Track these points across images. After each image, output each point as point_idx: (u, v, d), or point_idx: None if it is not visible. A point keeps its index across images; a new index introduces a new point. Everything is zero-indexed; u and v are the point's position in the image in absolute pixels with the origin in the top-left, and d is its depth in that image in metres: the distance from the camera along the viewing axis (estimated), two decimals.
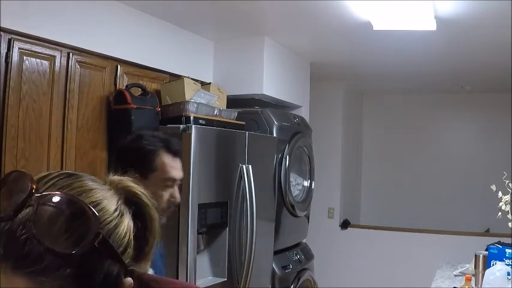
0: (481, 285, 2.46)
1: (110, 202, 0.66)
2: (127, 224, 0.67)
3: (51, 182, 0.65)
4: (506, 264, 2.39)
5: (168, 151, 1.62)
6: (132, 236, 0.68)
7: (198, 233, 2.50)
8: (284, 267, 3.37)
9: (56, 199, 0.60)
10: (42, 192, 0.62)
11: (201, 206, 2.47)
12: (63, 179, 0.66)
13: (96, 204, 0.64)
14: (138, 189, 0.73)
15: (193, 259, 2.43)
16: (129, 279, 0.67)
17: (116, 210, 0.66)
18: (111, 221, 0.64)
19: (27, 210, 0.59)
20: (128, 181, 0.73)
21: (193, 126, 2.48)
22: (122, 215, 0.67)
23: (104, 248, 0.61)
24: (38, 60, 2.31)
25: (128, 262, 0.67)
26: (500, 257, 2.47)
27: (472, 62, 4.05)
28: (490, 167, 4.98)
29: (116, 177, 0.73)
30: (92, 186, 0.66)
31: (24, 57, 2.24)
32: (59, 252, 0.57)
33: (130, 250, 0.67)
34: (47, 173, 0.67)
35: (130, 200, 0.71)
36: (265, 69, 3.53)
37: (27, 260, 0.57)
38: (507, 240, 2.89)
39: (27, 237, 0.57)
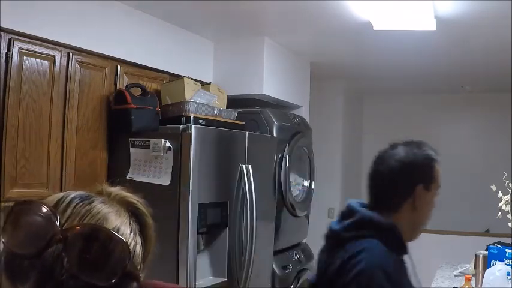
0: (481, 285, 2.46)
1: (125, 225, 0.67)
2: (140, 242, 0.69)
3: (69, 211, 0.64)
4: (506, 264, 2.39)
5: (437, 157, 1.52)
6: (142, 251, 0.69)
7: (198, 233, 2.50)
8: (284, 267, 3.37)
9: (83, 231, 0.60)
10: (64, 223, 0.61)
11: (201, 206, 2.47)
12: (79, 204, 0.65)
13: (117, 230, 0.64)
14: (136, 198, 0.74)
15: (193, 259, 2.43)
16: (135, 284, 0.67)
17: (131, 232, 0.67)
18: (131, 243, 0.65)
19: (55, 245, 0.58)
20: (124, 191, 0.74)
21: (193, 126, 2.48)
22: (135, 234, 0.68)
23: (134, 272, 0.63)
24: (38, 60, 2.31)
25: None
26: (500, 257, 2.47)
27: (472, 62, 4.05)
28: (490, 167, 4.98)
29: (113, 189, 0.73)
30: (106, 210, 0.67)
31: (24, 57, 2.24)
32: (97, 285, 0.57)
33: (142, 264, 0.69)
34: (58, 198, 0.66)
35: (131, 213, 0.72)
36: (265, 69, 3.53)
37: None
38: (507, 240, 2.89)
39: (63, 274, 0.56)
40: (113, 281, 0.58)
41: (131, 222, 0.69)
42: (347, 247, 1.34)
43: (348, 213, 1.49)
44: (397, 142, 1.56)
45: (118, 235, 0.62)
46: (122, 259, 0.61)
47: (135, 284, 0.64)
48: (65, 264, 0.57)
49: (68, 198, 0.66)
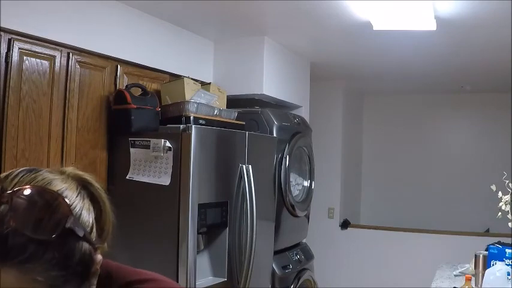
0: (481, 285, 2.46)
1: (71, 190, 0.73)
2: (88, 207, 0.74)
3: (16, 179, 0.70)
4: (506, 264, 2.39)
5: None
6: (94, 218, 0.75)
7: (198, 233, 2.50)
8: (284, 267, 3.37)
9: (27, 192, 0.66)
10: (12, 189, 0.66)
11: (201, 206, 2.47)
12: (25, 174, 0.71)
13: (61, 192, 0.70)
14: (88, 176, 0.79)
15: (193, 259, 2.43)
16: (99, 256, 0.74)
17: (77, 196, 0.73)
18: (76, 205, 0.71)
19: (1, 207, 0.64)
20: (77, 170, 0.79)
21: (193, 126, 2.48)
22: (83, 199, 0.74)
23: (76, 229, 0.67)
24: (38, 60, 2.31)
25: (94, 241, 0.73)
26: (500, 257, 2.47)
27: (472, 62, 4.05)
28: (490, 167, 4.98)
29: (67, 168, 0.79)
30: (51, 177, 0.72)
31: (24, 57, 2.24)
32: (40, 239, 0.62)
33: (94, 230, 0.74)
34: (8, 172, 0.72)
35: (83, 187, 0.77)
36: (265, 69, 3.53)
37: (13, 252, 0.61)
38: (507, 240, 2.88)
39: (8, 231, 0.61)
40: (54, 236, 0.63)
41: (79, 189, 0.74)
42: None
43: None
44: None
45: (61, 195, 0.68)
46: (63, 217, 0.66)
47: (85, 244, 0.69)
48: (11, 222, 0.62)
49: (16, 171, 0.72)
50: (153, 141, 2.53)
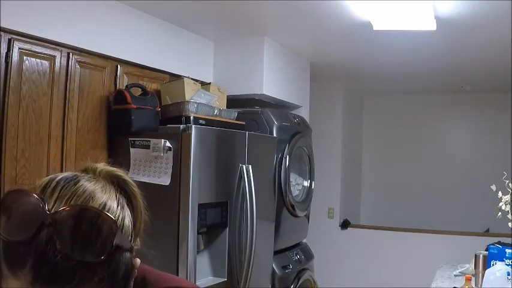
0: (481, 285, 2.46)
1: (112, 199, 0.70)
2: (128, 214, 0.72)
3: (56, 194, 0.67)
4: (506, 264, 2.39)
5: None
6: (131, 222, 0.73)
7: (198, 233, 2.50)
8: (284, 267, 3.37)
9: (71, 212, 0.63)
10: (52, 207, 0.64)
11: (201, 206, 2.47)
12: (65, 186, 0.68)
13: (104, 205, 0.68)
14: (121, 172, 0.77)
15: (193, 259, 2.43)
16: (138, 260, 0.73)
17: (118, 205, 0.71)
18: (119, 216, 0.69)
19: (45, 230, 0.61)
20: (107, 166, 0.77)
21: (193, 126, 2.48)
22: (123, 207, 0.72)
23: (123, 245, 0.66)
24: (38, 60, 2.31)
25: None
26: (500, 257, 2.47)
27: (472, 62, 4.05)
28: (490, 167, 4.98)
29: (98, 165, 0.77)
30: (91, 188, 0.70)
31: (24, 57, 2.24)
32: (89, 262, 0.60)
33: (133, 234, 0.73)
34: (45, 182, 0.69)
35: (117, 184, 0.75)
36: (265, 69, 3.53)
37: (62, 277, 0.59)
38: (507, 240, 2.88)
39: (56, 256, 0.59)
40: (103, 257, 0.62)
41: (117, 196, 0.72)
42: None
43: None
44: None
45: (105, 212, 0.65)
46: (110, 234, 0.63)
47: (127, 254, 0.68)
48: (58, 246, 0.59)
49: (54, 182, 0.69)
50: (153, 141, 2.53)
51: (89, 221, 0.63)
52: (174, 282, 0.87)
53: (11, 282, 0.60)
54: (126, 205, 0.73)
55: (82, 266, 0.60)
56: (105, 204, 0.68)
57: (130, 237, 0.71)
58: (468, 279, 2.38)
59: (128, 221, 0.71)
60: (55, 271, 0.59)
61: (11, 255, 0.61)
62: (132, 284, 0.73)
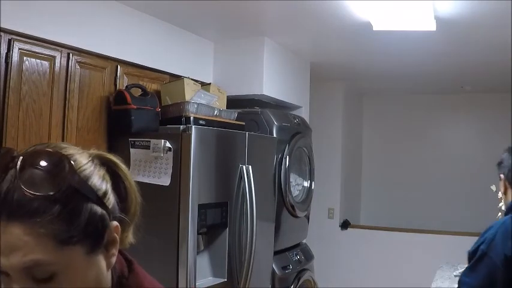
0: None
1: (82, 156, 0.76)
2: (103, 174, 0.77)
3: (32, 148, 0.75)
4: None
5: None
6: (110, 186, 0.77)
7: (198, 233, 2.50)
8: (284, 268, 3.37)
9: (36, 155, 0.71)
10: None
11: (201, 207, 2.47)
12: (41, 144, 0.76)
13: (71, 156, 0.73)
14: (112, 156, 0.82)
15: (193, 259, 2.43)
16: (115, 222, 0.76)
17: (88, 162, 0.76)
18: (86, 169, 0.74)
19: (12, 170, 0.68)
20: (97, 150, 0.82)
21: (193, 126, 2.48)
22: (96, 166, 0.77)
23: (83, 189, 0.71)
24: (38, 60, 2.31)
25: (117, 212, 0.77)
26: None
27: (472, 62, 4.05)
28: (490, 167, 4.97)
29: (92, 150, 0.82)
30: (65, 145, 0.77)
31: (24, 58, 2.24)
32: (43, 195, 0.66)
33: (111, 197, 0.76)
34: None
35: (106, 165, 0.80)
36: (265, 70, 3.53)
37: (20, 208, 0.66)
38: None
39: (16, 190, 0.66)
40: (57, 193, 0.67)
41: (91, 158, 0.77)
42: None
43: None
44: None
45: (65, 155, 0.71)
46: (66, 174, 0.69)
47: (97, 209, 0.72)
48: (19, 182, 0.67)
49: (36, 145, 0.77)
50: (153, 141, 2.53)
51: (50, 162, 0.69)
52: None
53: None
54: (102, 169, 0.77)
55: (38, 199, 0.66)
56: (72, 156, 0.73)
57: (104, 195, 0.74)
58: None
59: (98, 180, 0.75)
60: (14, 203, 0.66)
61: None
62: (114, 250, 0.76)
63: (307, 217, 3.91)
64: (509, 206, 1.83)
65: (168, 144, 2.49)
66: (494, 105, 5.34)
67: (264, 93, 3.53)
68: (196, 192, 2.44)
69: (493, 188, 2.67)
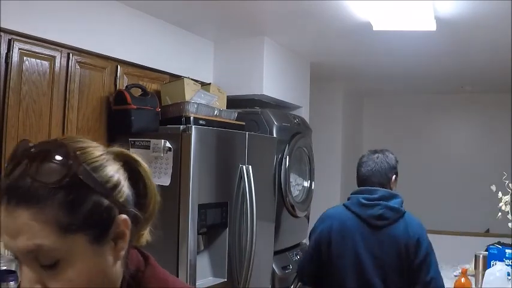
0: (481, 285, 2.46)
1: (96, 150, 0.78)
2: (117, 168, 0.78)
3: (47, 140, 0.78)
4: (506, 264, 2.39)
5: None
6: (126, 181, 0.79)
7: (198, 233, 2.50)
8: (284, 268, 3.37)
9: (47, 146, 0.74)
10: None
11: (201, 207, 2.47)
12: (61, 138, 0.78)
13: (82, 149, 0.75)
14: (130, 152, 0.85)
15: (193, 259, 2.43)
16: (123, 216, 0.76)
17: (102, 155, 0.77)
18: (96, 161, 0.75)
19: (25, 161, 0.71)
20: (119, 147, 0.84)
21: (193, 126, 2.48)
22: (108, 160, 0.78)
23: (88, 180, 0.72)
24: (38, 60, 2.31)
25: (130, 207, 0.78)
26: (500, 257, 2.48)
27: (472, 62, 4.05)
28: (490, 167, 4.98)
29: (112, 148, 0.83)
30: (81, 139, 0.78)
31: (24, 58, 2.24)
32: (48, 183, 0.69)
33: (124, 191, 0.77)
34: None
35: (126, 162, 0.83)
36: (265, 70, 3.53)
37: (27, 194, 0.69)
38: (507, 240, 2.89)
39: (26, 177, 0.70)
40: (61, 182, 0.69)
41: (105, 152, 0.79)
42: None
43: None
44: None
45: (74, 150, 0.73)
46: (70, 165, 0.71)
47: (104, 201, 0.73)
48: (28, 172, 0.70)
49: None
50: (153, 141, 2.53)
51: (58, 153, 0.72)
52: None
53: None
54: (118, 165, 0.79)
55: (43, 187, 0.69)
56: (84, 149, 0.75)
57: (113, 188, 0.75)
58: (464, 272, 2.40)
59: (111, 172, 0.76)
60: (22, 190, 0.69)
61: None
62: (123, 244, 0.76)
63: (307, 217, 3.91)
64: None
65: (168, 144, 2.49)
66: (494, 105, 5.34)
67: (264, 93, 3.53)
68: (196, 192, 2.44)
69: (493, 188, 2.68)
